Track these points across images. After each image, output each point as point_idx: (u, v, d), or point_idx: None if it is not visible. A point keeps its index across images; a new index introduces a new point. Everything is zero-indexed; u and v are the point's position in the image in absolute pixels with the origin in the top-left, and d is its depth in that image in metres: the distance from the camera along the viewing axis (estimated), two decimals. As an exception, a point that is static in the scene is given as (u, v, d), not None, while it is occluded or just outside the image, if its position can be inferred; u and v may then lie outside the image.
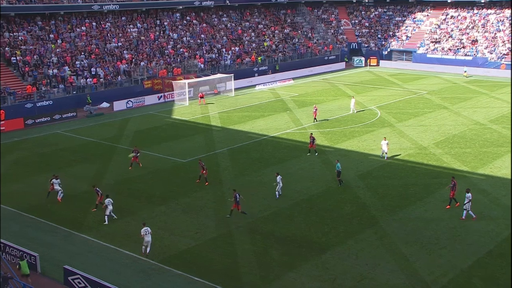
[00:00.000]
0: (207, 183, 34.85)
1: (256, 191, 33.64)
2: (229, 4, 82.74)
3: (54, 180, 32.69)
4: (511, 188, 33.13)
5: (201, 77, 65.30)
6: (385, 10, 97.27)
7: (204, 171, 34.98)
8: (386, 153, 39.29)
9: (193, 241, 27.26)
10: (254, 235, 27.87)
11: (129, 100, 58.91)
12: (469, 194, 29.35)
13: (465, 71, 74.29)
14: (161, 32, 73.46)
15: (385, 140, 39.78)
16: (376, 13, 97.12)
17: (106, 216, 29.52)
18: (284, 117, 52.61)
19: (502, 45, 78.89)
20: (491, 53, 78.46)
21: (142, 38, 70.54)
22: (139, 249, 26.12)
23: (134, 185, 35.15)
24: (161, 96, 61.70)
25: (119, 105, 57.92)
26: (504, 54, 77.36)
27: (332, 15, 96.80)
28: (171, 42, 71.99)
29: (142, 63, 65.44)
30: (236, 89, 65.53)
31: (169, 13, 77.62)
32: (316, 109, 50.78)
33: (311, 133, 42.09)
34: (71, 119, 53.48)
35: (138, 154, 38.52)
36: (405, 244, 26.55)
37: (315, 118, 50.42)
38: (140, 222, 27.79)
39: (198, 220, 29.62)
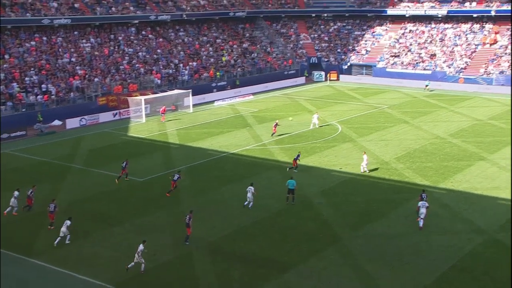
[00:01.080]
0: (168, 194, 35.65)
1: (216, 209, 33.44)
2: (186, 18, 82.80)
3: (16, 193, 32.46)
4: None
5: (158, 93, 64.87)
6: (344, 24, 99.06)
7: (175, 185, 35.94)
8: (364, 166, 40.04)
9: (151, 263, 26.79)
10: (215, 256, 27.61)
11: (83, 118, 57.95)
12: (424, 202, 30.43)
13: (427, 85, 76.11)
14: (116, 47, 72.83)
15: (365, 154, 40.67)
16: (335, 27, 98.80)
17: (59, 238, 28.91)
18: (244, 134, 52.67)
19: (460, 59, 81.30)
20: (449, 67, 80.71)
21: (96, 53, 69.75)
22: (94, 273, 25.51)
23: (88, 205, 34.45)
24: (116, 113, 60.94)
25: (72, 122, 56.91)
26: (461, 68, 79.70)
27: (291, 29, 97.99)
28: (126, 57, 71.41)
29: (96, 79, 64.59)
30: (194, 105, 65.32)
31: (124, 27, 77.09)
32: (276, 124, 51.06)
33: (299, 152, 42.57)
34: (21, 138, 52.19)
35: (127, 165, 38.76)
36: (369, 261, 26.75)
37: (273, 133, 50.70)
38: (94, 244, 27.18)
39: (156, 241, 29.15)
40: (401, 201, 34.43)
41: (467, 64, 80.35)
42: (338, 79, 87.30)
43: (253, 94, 75.16)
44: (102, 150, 47.95)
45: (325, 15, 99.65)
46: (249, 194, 33.57)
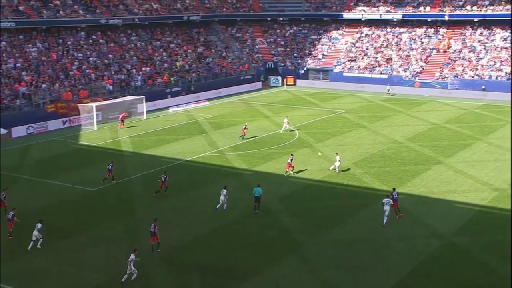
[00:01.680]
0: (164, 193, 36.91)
1: (171, 219, 33.21)
2: (138, 22, 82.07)
3: None
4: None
5: (110, 99, 64.08)
6: (300, 28, 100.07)
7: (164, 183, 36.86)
8: (337, 167, 41.32)
9: (104, 276, 26.38)
10: (170, 266, 27.40)
11: (30, 126, 56.67)
12: (389, 199, 31.91)
13: (389, 89, 77.56)
14: (65, 52, 71.55)
15: (337, 155, 42.00)
16: (291, 31, 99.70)
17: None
18: (200, 140, 52.52)
19: (416, 63, 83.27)
20: (405, 71, 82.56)
21: (43, 58, 68.37)
22: (43, 289, 24.95)
23: (37, 217, 33.60)
24: (66, 121, 59.88)
25: (19, 131, 55.57)
26: (417, 72, 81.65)
27: (247, 34, 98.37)
28: (75, 63, 70.24)
29: (44, 85, 63.29)
30: (148, 111, 64.76)
31: (73, 31, 75.80)
32: (245, 127, 52.34)
33: (292, 154, 43.08)
34: (-36, 147, 50.69)
35: (113, 167, 39.65)
36: (329, 268, 27.03)
37: (242, 135, 51.67)
38: (44, 258, 26.57)
39: (109, 253, 28.74)
40: (360, 206, 34.93)
41: (423, 68, 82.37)
42: (295, 84, 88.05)
43: (209, 100, 75.06)
44: (51, 159, 47.00)
45: (281, 19, 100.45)
46: (222, 197, 34.20)
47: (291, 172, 41.45)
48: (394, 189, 33.97)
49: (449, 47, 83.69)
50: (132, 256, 25.81)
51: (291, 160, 41.54)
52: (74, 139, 54.43)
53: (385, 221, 31.60)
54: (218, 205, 34.31)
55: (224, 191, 34.39)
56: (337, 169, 41.52)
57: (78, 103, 61.30)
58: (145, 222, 32.64)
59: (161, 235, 29.58)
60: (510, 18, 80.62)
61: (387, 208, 31.74)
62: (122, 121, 58.97)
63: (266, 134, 54.09)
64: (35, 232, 29.26)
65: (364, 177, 40.61)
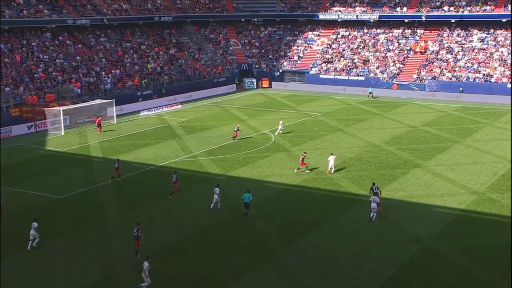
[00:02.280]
0: (177, 195, 37.93)
1: (143, 226, 32.99)
2: (107, 23, 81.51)
3: None
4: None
5: (78, 103, 63.51)
6: (275, 29, 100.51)
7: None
8: (334, 167, 42.87)
9: (73, 287, 26.13)
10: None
11: (-6, 131, 55.96)
12: (375, 197, 33.76)
13: (371, 92, 78.25)
14: (29, 53, 70.67)
15: (332, 155, 43.35)
16: (266, 32, 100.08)
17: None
18: (173, 145, 52.38)
19: (393, 65, 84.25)
20: (383, 73, 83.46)
21: (6, 60, 67.41)
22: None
23: (1, 227, 33.18)
24: (31, 126, 59.21)
25: (-18, 136, 54.82)
26: (395, 74, 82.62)
27: (220, 35, 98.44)
28: (41, 65, 69.48)
29: (7, 89, 62.44)
30: (118, 115, 64.38)
31: (38, 32, 74.98)
32: (238, 128, 53.60)
33: (305, 153, 44.54)
34: None
35: (119, 165, 40.97)
36: (306, 275, 27.18)
37: (234, 136, 53.08)
38: (9, 269, 26.18)
39: (79, 263, 28.49)
40: (337, 211, 35.20)
41: (400, 70, 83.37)
42: (270, 86, 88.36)
43: (181, 103, 74.88)
44: (16, 166, 46.39)
45: (255, 19, 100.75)
46: (215, 196, 35.16)
47: (304, 169, 42.99)
48: (373, 183, 35.95)
49: (426, 49, 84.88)
50: (146, 264, 25.68)
51: (303, 158, 42.82)
52: (40, 144, 53.83)
53: (373, 217, 33.16)
54: (212, 205, 35.19)
55: (217, 190, 35.26)
56: (333, 169, 42.85)
57: (44, 107, 60.66)
58: (115, 230, 32.53)
59: (132, 244, 29.42)
60: (489, 19, 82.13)
61: (374, 205, 33.20)
62: (99, 125, 58.71)
63: (241, 138, 54.13)
64: (32, 232, 30.16)
65: (342, 182, 40.93)
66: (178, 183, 37.93)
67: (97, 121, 59.14)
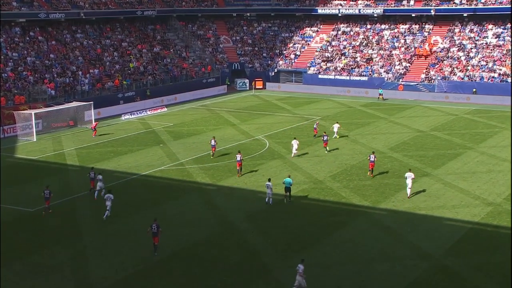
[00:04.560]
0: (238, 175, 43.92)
1: (125, 241, 32.92)
2: (84, 17, 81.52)
3: (100, 176, 40.27)
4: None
5: (52, 106, 63.39)
6: (269, 25, 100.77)
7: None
8: (297, 151, 48.57)
9: (46, 309, 25.98)
10: (124, 297, 27.15)
11: (-42, 137, 55.74)
12: (411, 173, 39.46)
13: (381, 93, 78.37)
14: (-2, 51, 70.50)
15: (295, 139, 49.41)
16: (259, 28, 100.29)
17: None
18: (157, 152, 52.29)
19: (399, 64, 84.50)
20: (388, 73, 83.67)
21: (-28, 58, 67.33)
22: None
23: (-34, 243, 33.01)
24: (-1, 131, 59.10)
25: None
26: (401, 74, 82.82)
27: (210, 31, 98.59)
28: (10, 63, 69.27)
29: (-26, 90, 62.35)
30: (97, 119, 64.22)
31: (6, 27, 74.75)
32: (316, 125, 56.63)
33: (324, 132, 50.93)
34: None
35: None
36: (303, 295, 27.07)
37: (315, 135, 55.69)
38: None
39: (52, 284, 28.30)
40: (337, 225, 35.15)
41: (407, 69, 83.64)
42: (264, 87, 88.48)
43: (167, 106, 74.83)
44: (-17, 175, 46.14)
45: (248, 14, 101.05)
46: (268, 190, 37.89)
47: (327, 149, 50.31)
48: (373, 152, 43.46)
49: (431, 52, 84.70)
50: (301, 266, 26.49)
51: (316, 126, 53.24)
52: (9, 151, 53.60)
53: (408, 193, 39.10)
54: (267, 199, 38.37)
55: (270, 184, 38.03)
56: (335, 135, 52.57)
57: (13, 110, 60.45)
58: (93, 247, 32.34)
59: (114, 259, 29.32)
60: (505, 13, 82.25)
61: (409, 182, 38.87)
62: (95, 129, 59.08)
63: (232, 145, 54.09)
64: (108, 203, 35.95)
65: (343, 192, 40.92)
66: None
67: (93, 126, 59.45)
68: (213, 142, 49.25)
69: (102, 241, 33.03)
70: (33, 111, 59.13)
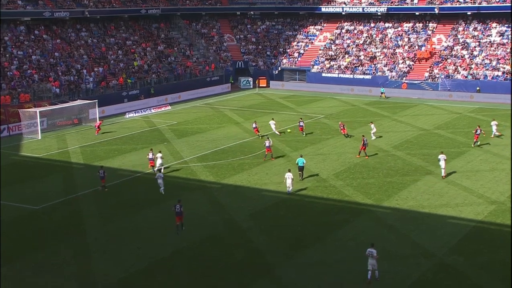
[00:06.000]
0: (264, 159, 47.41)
1: (128, 240, 32.88)
2: (88, 16, 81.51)
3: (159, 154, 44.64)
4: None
5: (56, 104, 63.44)
6: (273, 23, 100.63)
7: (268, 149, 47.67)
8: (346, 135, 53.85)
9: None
10: (127, 295, 27.11)
11: (-37, 135, 55.86)
12: (444, 155, 42.86)
13: (383, 92, 78.19)
14: (1, 49, 70.39)
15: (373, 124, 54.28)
16: (263, 27, 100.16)
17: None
18: (161, 150, 52.11)
19: (402, 63, 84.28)
20: (391, 71, 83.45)
21: (-23, 56, 67.36)
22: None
23: (-29, 241, 33.02)
24: (4, 129, 59.16)
25: (-50, 141, 54.65)
26: (404, 72, 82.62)
27: (214, 30, 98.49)
28: (15, 62, 69.30)
29: (-21, 88, 62.40)
30: (101, 118, 64.22)
31: (11, 25, 74.81)
32: (343, 126, 56.08)
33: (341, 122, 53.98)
34: None
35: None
36: (306, 293, 26.99)
37: (346, 134, 55.78)
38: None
39: (55, 282, 28.27)
40: (340, 223, 35.03)
41: (410, 68, 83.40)
42: (268, 86, 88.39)
43: (171, 104, 74.81)
44: (-12, 173, 46.19)
45: (252, 13, 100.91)
46: (289, 180, 39.25)
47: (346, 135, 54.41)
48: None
49: (432, 54, 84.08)
50: (374, 251, 27.59)
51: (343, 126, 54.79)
52: (14, 149, 53.68)
53: (443, 173, 42.58)
54: (289, 190, 39.69)
55: (290, 175, 39.42)
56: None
57: (18, 109, 60.52)
58: (97, 245, 32.31)
59: (117, 258, 29.28)
60: (509, 11, 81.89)
61: (442, 163, 42.24)
62: (98, 127, 59.21)
63: (235, 143, 54.03)
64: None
65: (346, 190, 40.80)
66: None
67: (97, 124, 59.57)
68: (267, 143, 48.21)
69: (106, 239, 33.00)
70: (38, 109, 59.24)
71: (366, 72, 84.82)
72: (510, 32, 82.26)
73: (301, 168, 42.53)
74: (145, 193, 41.02)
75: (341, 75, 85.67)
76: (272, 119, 59.08)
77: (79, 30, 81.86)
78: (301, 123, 57.40)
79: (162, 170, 43.72)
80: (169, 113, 70.48)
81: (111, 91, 73.46)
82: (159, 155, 44.64)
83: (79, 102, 64.31)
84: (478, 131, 51.46)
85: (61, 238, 33.42)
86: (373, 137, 54.51)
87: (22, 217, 36.79)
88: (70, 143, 55.61)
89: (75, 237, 33.57)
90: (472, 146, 51.40)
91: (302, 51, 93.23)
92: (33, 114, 58.83)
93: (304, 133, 56.71)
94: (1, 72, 66.22)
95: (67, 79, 70.73)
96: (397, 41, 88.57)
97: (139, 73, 78.83)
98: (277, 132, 56.90)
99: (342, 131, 55.78)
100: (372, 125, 55.36)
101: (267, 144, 48.01)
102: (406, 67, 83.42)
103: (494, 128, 55.11)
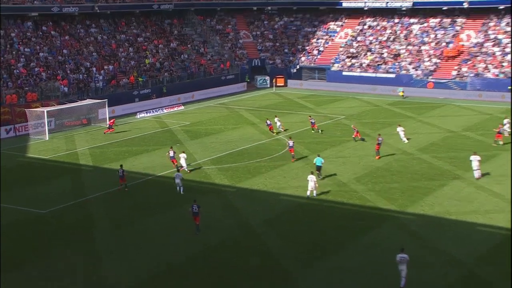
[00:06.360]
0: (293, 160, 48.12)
1: (139, 245, 33.11)
2: (98, 11, 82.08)
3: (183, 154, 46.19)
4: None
5: (65, 103, 63.91)
6: (291, 19, 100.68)
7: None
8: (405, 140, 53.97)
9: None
10: (138, 303, 27.31)
11: (-33, 135, 56.51)
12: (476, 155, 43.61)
13: (402, 91, 78.02)
14: (8, 46, 71.11)
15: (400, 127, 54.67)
16: (281, 23, 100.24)
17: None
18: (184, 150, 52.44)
19: (428, 60, 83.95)
20: (416, 70, 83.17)
21: (-18, 54, 68.05)
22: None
23: (-24, 246, 33.40)
24: (10, 129, 59.70)
25: (-46, 141, 55.30)
26: (430, 71, 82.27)
27: (229, 26, 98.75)
28: (22, 59, 69.95)
29: (-16, 87, 63.04)
30: (111, 117, 64.60)
31: (18, 21, 75.50)
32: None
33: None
34: None
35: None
36: (326, 303, 27.05)
37: (359, 138, 55.04)
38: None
39: (64, 288, 28.60)
40: (361, 229, 35.01)
41: (437, 66, 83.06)
42: (285, 85, 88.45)
43: (184, 104, 75.10)
44: (-7, 175, 46.68)
45: (269, 8, 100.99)
46: (311, 183, 39.35)
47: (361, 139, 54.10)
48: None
49: (460, 51, 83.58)
50: (405, 256, 27.81)
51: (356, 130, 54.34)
52: (21, 151, 54.16)
53: (476, 175, 42.98)
54: (310, 194, 39.91)
55: (313, 177, 39.71)
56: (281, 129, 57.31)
57: (25, 108, 61.02)
58: (106, 250, 32.55)
59: (128, 264, 29.48)
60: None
61: (475, 164, 42.88)
62: (111, 126, 59.94)
63: (251, 145, 54.16)
64: (177, 181, 41.04)
65: (368, 195, 40.75)
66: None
67: (110, 122, 60.24)
68: (291, 143, 49.43)
69: (116, 244, 33.22)
70: (45, 109, 59.65)
71: (389, 70, 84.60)
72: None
73: (319, 168, 43.30)
74: (157, 196, 41.27)
75: (363, 74, 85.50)
76: (276, 116, 60.38)
77: (88, 26, 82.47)
78: (312, 120, 58.93)
79: (185, 169, 45.69)
80: (182, 113, 70.76)
81: (121, 90, 73.92)
82: (182, 155, 45.77)
83: (88, 101, 64.67)
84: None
85: (69, 243, 33.67)
86: (405, 140, 54.40)
87: (29, 221, 37.12)
88: (79, 144, 56.01)
89: (84, 242, 33.80)
90: (493, 145, 52.26)
91: (321, 49, 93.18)
92: (41, 114, 59.27)
93: (319, 130, 58.49)
94: (7, 70, 66.94)
95: (75, 78, 71.28)
96: (423, 38, 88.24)
97: (150, 71, 79.25)
98: (281, 129, 59.00)
99: (354, 134, 55.15)
100: (399, 128, 55.22)
101: (290, 144, 48.93)
102: (432, 65, 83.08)
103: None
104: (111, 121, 61.22)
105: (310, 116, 60.72)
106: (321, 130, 58.37)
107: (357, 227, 35.44)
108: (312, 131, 58.54)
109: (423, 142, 54.53)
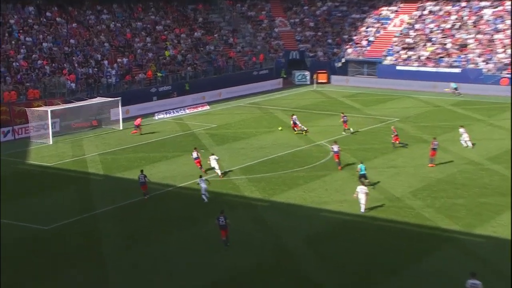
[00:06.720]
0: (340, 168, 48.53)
1: (157, 267, 33.19)
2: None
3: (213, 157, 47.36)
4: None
5: (72, 102, 64.43)
6: (336, 4, 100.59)
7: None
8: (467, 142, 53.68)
9: None
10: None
11: (-41, 138, 57.34)
12: None
13: (454, 87, 77.38)
14: (6, 34, 71.97)
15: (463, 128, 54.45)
16: (324, 8, 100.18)
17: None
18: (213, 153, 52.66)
19: (502, 52, 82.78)
20: (487, 63, 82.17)
21: (-24, 44, 69.01)
22: None
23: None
24: (8, 131, 60.42)
25: None
26: (505, 64, 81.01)
27: (263, 12, 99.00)
28: (22, 50, 70.76)
29: (-22, 82, 63.92)
30: (125, 119, 65.10)
31: (18, 6, 76.30)
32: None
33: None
34: None
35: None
36: None
37: (398, 143, 55.11)
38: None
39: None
40: (419, 253, 34.67)
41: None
42: (328, 81, 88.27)
43: (209, 103, 75.31)
44: (-12, 185, 47.22)
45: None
46: (362, 196, 39.46)
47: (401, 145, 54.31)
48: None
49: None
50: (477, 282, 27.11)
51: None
52: (20, 156, 54.73)
53: None
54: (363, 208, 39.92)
55: (363, 188, 39.94)
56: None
57: (26, 107, 61.58)
58: (116, 272, 32.67)
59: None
60: None
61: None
62: (138, 126, 61.11)
63: (288, 151, 54.09)
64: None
65: (426, 212, 40.37)
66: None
67: (136, 122, 61.31)
68: (336, 148, 49.60)
69: (128, 266, 33.28)
70: (49, 108, 60.10)
71: (454, 64, 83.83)
72: None
73: (364, 176, 43.90)
74: (177, 211, 41.35)
75: (421, 68, 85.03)
76: (293, 114, 62.17)
77: (99, 12, 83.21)
78: (344, 118, 60.59)
79: (217, 172, 47.21)
80: (207, 114, 70.96)
81: (137, 86, 74.43)
82: (212, 156, 47.49)
83: (98, 100, 65.15)
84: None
85: (75, 264, 33.85)
86: (469, 145, 54.15)
87: (29, 238, 37.38)
88: (87, 150, 56.42)
89: (91, 263, 33.98)
90: None
91: (372, 39, 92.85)
92: (43, 114, 59.67)
93: (351, 129, 60.35)
94: (5, 62, 67.64)
95: (84, 72, 71.91)
96: (496, 25, 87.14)
97: (171, 65, 79.66)
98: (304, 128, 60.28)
99: (393, 139, 54.76)
100: (462, 130, 54.69)
101: (335, 149, 49.12)
102: (507, 58, 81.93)
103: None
104: (138, 120, 61.69)
105: (343, 113, 61.75)
106: (352, 131, 59.52)
107: (413, 250, 35.11)
108: (343, 133, 59.66)
109: (494, 150, 53.91)
